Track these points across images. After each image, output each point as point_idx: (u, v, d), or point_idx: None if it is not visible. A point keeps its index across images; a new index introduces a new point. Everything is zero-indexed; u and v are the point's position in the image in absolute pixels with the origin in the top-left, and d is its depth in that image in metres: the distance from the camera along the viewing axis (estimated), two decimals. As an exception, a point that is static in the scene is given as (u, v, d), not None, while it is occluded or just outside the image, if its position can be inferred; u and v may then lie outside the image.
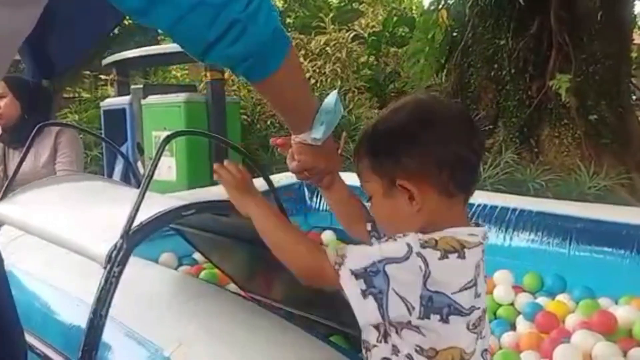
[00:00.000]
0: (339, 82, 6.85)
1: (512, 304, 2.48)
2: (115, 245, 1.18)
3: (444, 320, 0.94)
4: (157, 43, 15.22)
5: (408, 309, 0.92)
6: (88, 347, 1.18)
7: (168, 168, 4.83)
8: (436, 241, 0.94)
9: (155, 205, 1.32)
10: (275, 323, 1.42)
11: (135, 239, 1.20)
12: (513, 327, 2.35)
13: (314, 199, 3.77)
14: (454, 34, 6.79)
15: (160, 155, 1.29)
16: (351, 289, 0.91)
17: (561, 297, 2.46)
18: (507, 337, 2.22)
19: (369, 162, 1.03)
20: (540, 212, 2.92)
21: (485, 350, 1.04)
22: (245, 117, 6.54)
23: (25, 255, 1.82)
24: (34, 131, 1.87)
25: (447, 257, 0.93)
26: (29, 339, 1.46)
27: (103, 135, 5.21)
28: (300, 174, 1.25)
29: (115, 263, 1.17)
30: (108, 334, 1.23)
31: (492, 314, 2.43)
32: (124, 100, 5.49)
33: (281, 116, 1.24)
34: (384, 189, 1.02)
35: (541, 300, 2.46)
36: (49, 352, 1.38)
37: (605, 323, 2.16)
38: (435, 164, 0.98)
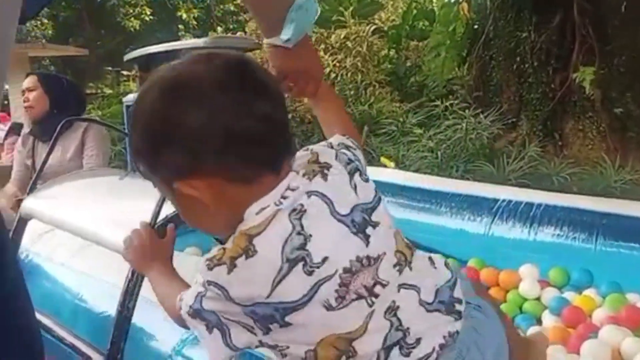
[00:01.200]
0: (359, 76, 6.83)
1: (538, 299, 2.46)
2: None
3: (283, 324, 0.79)
4: (178, 38, 15.35)
5: (249, 331, 0.81)
6: (116, 339, 1.20)
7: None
8: (224, 251, 0.79)
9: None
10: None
11: (161, 232, 1.20)
12: (539, 321, 2.32)
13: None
14: (475, 26, 6.74)
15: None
16: (196, 328, 0.83)
17: (588, 292, 2.42)
18: (533, 332, 2.20)
19: (143, 165, 0.84)
20: (566, 207, 2.88)
21: (389, 307, 0.84)
22: (266, 111, 6.53)
23: (54, 248, 1.85)
24: (59, 126, 1.89)
25: (235, 266, 0.77)
26: (59, 331, 1.48)
27: (126, 131, 5.25)
28: (280, 81, 1.08)
29: (144, 257, 1.18)
30: (139, 316, 1.24)
31: (518, 309, 2.41)
32: (146, 95, 5.53)
33: (253, 16, 1.14)
34: (170, 194, 0.85)
35: (568, 294, 2.42)
36: (78, 344, 1.39)
37: (633, 318, 2.12)
38: (208, 151, 0.79)
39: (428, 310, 0.87)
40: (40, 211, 1.68)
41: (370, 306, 0.82)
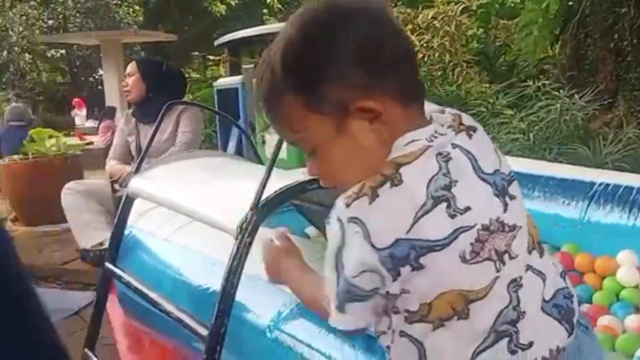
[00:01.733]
0: (447, 56, 6.72)
1: (637, 286, 2.38)
2: (246, 218, 1.24)
3: (416, 266, 0.77)
4: (263, 22, 15.56)
5: (381, 280, 0.79)
6: (221, 314, 1.26)
7: (279, 146, 4.94)
8: (362, 185, 0.78)
9: (279, 180, 1.37)
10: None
11: (265, 211, 1.25)
12: (637, 310, 2.25)
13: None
14: (570, 3, 6.47)
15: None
16: (354, 312, 0.83)
17: (691, 280, 2.33)
18: (631, 321, 2.14)
19: (301, 99, 0.80)
20: (668, 191, 2.76)
21: (514, 280, 0.83)
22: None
23: (157, 225, 1.95)
24: (163, 109, 1.98)
25: (377, 196, 0.76)
26: (165, 305, 1.57)
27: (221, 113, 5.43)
28: None
29: (246, 234, 1.23)
30: (243, 289, 1.29)
31: (615, 296, 2.34)
32: (236, 79, 5.67)
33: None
34: (334, 126, 0.81)
35: (669, 282, 2.34)
36: (183, 317, 1.47)
37: None
38: (389, 63, 0.80)
39: (543, 310, 0.87)
40: (145, 190, 1.78)
41: (498, 271, 0.82)
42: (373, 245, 0.76)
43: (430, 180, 0.78)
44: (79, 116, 12.91)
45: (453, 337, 0.82)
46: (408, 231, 0.76)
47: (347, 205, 0.77)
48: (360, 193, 0.77)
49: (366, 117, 0.79)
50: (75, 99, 13.98)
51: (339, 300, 0.81)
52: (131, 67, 3.77)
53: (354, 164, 0.82)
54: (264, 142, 5.05)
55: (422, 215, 0.77)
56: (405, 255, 0.77)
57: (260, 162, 2.16)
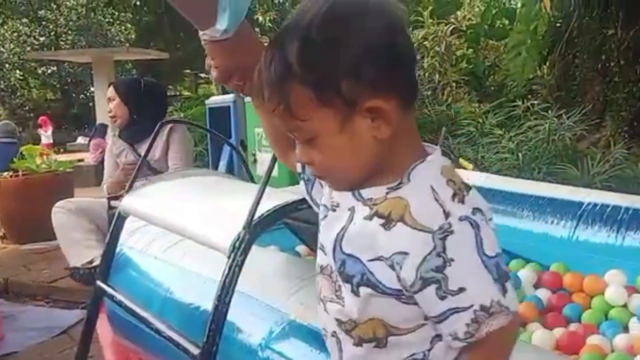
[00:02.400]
0: (437, 76, 6.78)
1: (624, 306, 2.39)
2: (239, 236, 1.25)
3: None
4: (256, 41, 15.61)
5: None
6: (212, 332, 1.26)
7: (270, 164, 4.95)
8: (452, 182, 0.82)
9: (270, 198, 1.38)
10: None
11: (257, 230, 1.26)
12: (626, 329, 2.26)
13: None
14: (558, 24, 6.56)
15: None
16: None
17: (679, 299, 2.35)
18: (620, 340, 2.15)
19: (311, 92, 0.80)
20: (655, 211, 2.79)
21: None
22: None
23: (148, 243, 1.95)
24: (156, 129, 1.99)
25: (470, 189, 0.84)
26: (156, 323, 1.57)
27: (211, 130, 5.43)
28: (226, 81, 1.05)
29: (239, 252, 1.24)
30: (235, 307, 1.30)
31: (604, 315, 2.35)
32: (228, 98, 5.68)
33: (183, 11, 1.03)
34: (339, 121, 0.81)
35: (657, 301, 2.35)
36: (174, 336, 1.47)
37: None
38: (399, 64, 0.82)
39: None
40: (138, 209, 1.78)
41: None
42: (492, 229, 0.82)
43: None
44: (45, 135, 12.75)
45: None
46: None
47: (462, 202, 0.80)
48: (460, 190, 0.81)
49: (371, 115, 0.80)
50: (42, 117, 13.88)
51: (501, 284, 0.80)
52: (110, 91, 3.74)
53: (349, 158, 0.83)
54: (255, 161, 5.06)
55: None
56: None
57: (252, 181, 2.17)
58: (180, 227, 1.50)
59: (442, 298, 0.79)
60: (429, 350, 0.86)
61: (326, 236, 0.89)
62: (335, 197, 0.89)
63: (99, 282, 1.89)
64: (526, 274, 2.77)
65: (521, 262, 2.91)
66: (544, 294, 2.64)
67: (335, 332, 0.90)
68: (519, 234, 3.08)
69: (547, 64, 6.72)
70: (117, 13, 19.59)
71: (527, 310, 2.48)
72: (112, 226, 1.87)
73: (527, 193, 3.16)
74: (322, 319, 0.93)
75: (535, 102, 5.78)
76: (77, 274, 3.89)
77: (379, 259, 0.81)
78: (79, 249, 3.83)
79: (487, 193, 3.30)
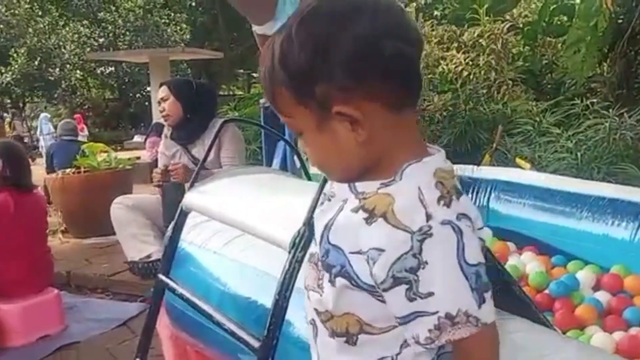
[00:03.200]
0: (493, 74, 6.67)
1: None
2: (299, 232, 1.27)
3: None
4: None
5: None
6: (273, 326, 1.28)
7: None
8: (441, 185, 0.81)
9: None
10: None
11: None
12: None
13: (469, 194, 3.72)
14: (620, 20, 6.37)
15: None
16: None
17: None
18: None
19: (289, 91, 0.82)
20: None
21: None
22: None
23: (207, 238, 1.99)
24: (218, 127, 2.03)
25: (460, 194, 0.82)
26: (217, 316, 1.61)
27: (263, 131, 5.48)
28: None
29: (299, 248, 1.26)
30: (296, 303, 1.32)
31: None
32: (282, 96, 5.74)
33: (240, 7, 0.99)
34: (316, 122, 0.83)
35: None
36: (235, 329, 1.50)
37: None
38: (378, 70, 0.79)
39: None
40: (200, 204, 1.83)
41: None
42: (478, 237, 0.82)
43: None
44: (80, 135, 12.84)
45: None
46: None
47: (448, 205, 0.79)
48: (449, 194, 0.80)
49: (346, 119, 0.81)
50: (76, 115, 14.06)
51: (478, 294, 0.78)
52: (163, 91, 3.78)
53: (334, 158, 0.85)
54: (307, 159, 5.08)
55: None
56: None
57: (308, 177, 2.19)
58: (241, 222, 1.54)
59: (411, 300, 0.78)
60: (398, 354, 0.85)
61: (318, 225, 0.90)
62: (334, 187, 0.90)
63: (160, 276, 1.94)
64: (585, 275, 2.72)
65: (580, 264, 2.86)
66: (603, 296, 2.59)
67: (313, 320, 0.91)
68: (578, 235, 3.03)
69: (608, 61, 6.54)
70: (172, 14, 20.00)
71: (585, 312, 2.44)
72: (174, 222, 1.92)
73: (587, 193, 3.09)
74: (305, 307, 0.95)
75: (595, 100, 5.63)
76: (135, 268, 4.00)
77: (359, 252, 0.81)
78: (136, 244, 3.94)
79: (546, 193, 3.25)
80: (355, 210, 0.83)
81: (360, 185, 0.85)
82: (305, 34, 0.81)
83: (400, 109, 0.83)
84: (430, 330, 0.78)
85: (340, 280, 0.84)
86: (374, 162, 0.84)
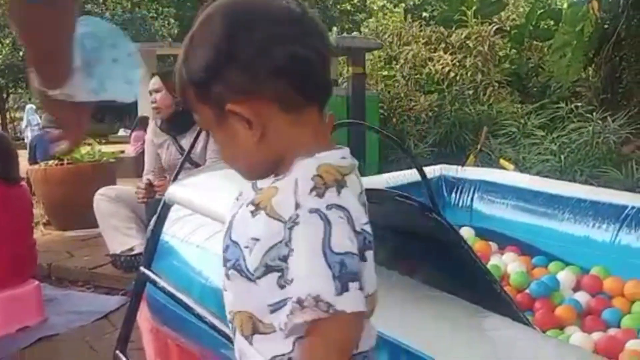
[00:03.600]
0: (480, 76, 6.72)
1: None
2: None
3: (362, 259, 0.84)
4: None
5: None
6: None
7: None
8: (319, 178, 0.80)
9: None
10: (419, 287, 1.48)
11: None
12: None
13: (453, 194, 3.75)
14: (605, 26, 6.44)
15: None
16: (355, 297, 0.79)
17: None
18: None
19: (191, 90, 0.87)
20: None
21: None
22: (382, 111, 6.59)
23: (190, 232, 1.99)
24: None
25: (342, 187, 0.81)
26: (199, 309, 1.60)
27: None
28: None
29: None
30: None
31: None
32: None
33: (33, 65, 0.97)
34: (216, 120, 0.86)
35: None
36: (218, 323, 1.50)
37: None
38: (268, 72, 0.82)
39: None
40: (182, 198, 1.82)
41: None
42: (355, 229, 0.80)
43: (360, 194, 0.86)
44: None
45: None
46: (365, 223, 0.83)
47: (321, 196, 0.79)
48: (325, 186, 0.80)
49: (242, 119, 0.83)
50: None
51: (341, 282, 0.77)
52: (156, 82, 3.68)
53: (238, 156, 0.88)
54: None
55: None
56: (361, 247, 0.82)
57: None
58: (224, 216, 1.53)
59: (282, 287, 0.80)
60: (291, 352, 0.84)
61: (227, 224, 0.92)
62: (244, 186, 0.92)
63: (142, 269, 1.93)
64: (565, 276, 2.75)
65: (561, 265, 2.89)
66: (583, 297, 2.61)
67: (230, 320, 0.92)
68: (559, 236, 3.05)
69: (593, 66, 6.61)
70: (160, 8, 19.87)
71: (565, 313, 2.46)
72: (157, 214, 1.91)
73: (569, 195, 3.12)
74: None
75: (580, 104, 5.69)
76: (117, 261, 3.97)
77: (247, 244, 0.83)
78: (119, 236, 3.90)
79: (529, 194, 3.27)
80: (247, 205, 0.85)
81: (260, 182, 0.87)
82: (202, 36, 0.85)
83: (296, 109, 0.84)
84: (287, 316, 0.79)
85: (233, 272, 0.86)
86: (276, 160, 0.85)
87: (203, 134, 3.53)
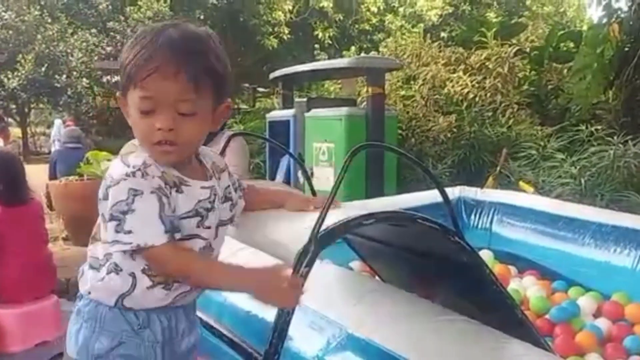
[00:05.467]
0: (499, 97, 6.70)
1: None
2: (305, 248, 1.27)
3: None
4: (314, 57, 15.77)
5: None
6: (275, 340, 1.28)
7: (327, 179, 4.99)
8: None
9: (336, 212, 1.40)
10: (439, 311, 1.51)
11: (323, 242, 1.28)
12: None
13: (472, 216, 3.73)
14: (626, 48, 6.41)
15: (348, 165, 1.37)
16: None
17: None
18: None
19: (212, 83, 1.14)
20: None
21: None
22: (400, 131, 6.60)
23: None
24: (226, 141, 2.04)
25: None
26: (219, 327, 1.60)
27: (268, 145, 5.50)
28: None
29: (304, 264, 1.26)
30: (296, 318, 1.32)
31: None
32: (288, 112, 5.77)
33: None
34: (212, 109, 1.17)
35: None
36: (237, 341, 1.50)
37: None
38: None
39: None
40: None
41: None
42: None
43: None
44: None
45: None
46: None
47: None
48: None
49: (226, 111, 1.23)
50: (68, 121, 14.10)
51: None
52: None
53: (201, 137, 1.20)
54: (312, 175, 5.10)
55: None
56: None
57: (313, 193, 2.20)
58: (243, 235, 1.54)
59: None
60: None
61: None
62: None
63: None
64: (586, 302, 2.71)
65: (581, 290, 2.85)
66: (604, 323, 2.58)
67: None
68: (579, 261, 3.02)
69: (613, 88, 6.57)
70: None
71: (586, 339, 2.43)
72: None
73: (590, 220, 3.09)
74: None
75: (600, 127, 5.65)
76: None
77: None
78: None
79: (549, 218, 3.25)
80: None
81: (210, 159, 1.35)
82: (225, 57, 1.21)
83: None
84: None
85: None
86: None
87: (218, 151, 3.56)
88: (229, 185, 1.31)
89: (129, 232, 1.12)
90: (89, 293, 1.30)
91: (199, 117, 1.14)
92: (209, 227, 1.21)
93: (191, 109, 1.13)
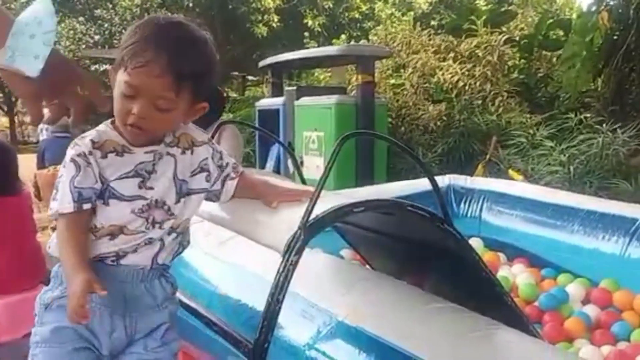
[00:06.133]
0: (489, 85, 6.70)
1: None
2: (294, 236, 1.26)
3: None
4: (303, 45, 15.70)
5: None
6: (265, 328, 1.28)
7: (316, 167, 4.99)
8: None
9: (326, 201, 1.40)
10: (429, 298, 1.50)
11: (312, 230, 1.27)
12: None
13: (462, 204, 3.74)
14: (615, 37, 6.42)
15: (338, 154, 1.37)
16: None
17: None
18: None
19: (192, 84, 1.20)
20: None
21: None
22: (390, 119, 6.59)
23: (201, 239, 1.98)
24: (214, 129, 2.03)
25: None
26: (209, 316, 1.60)
27: (257, 134, 5.49)
28: (39, 109, 1.19)
29: (293, 252, 1.26)
30: (286, 307, 1.32)
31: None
32: (278, 101, 5.74)
33: None
34: (187, 107, 1.24)
35: None
36: (228, 330, 1.49)
37: None
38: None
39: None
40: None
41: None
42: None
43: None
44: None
45: None
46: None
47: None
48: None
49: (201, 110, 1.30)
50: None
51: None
52: None
53: (168, 130, 1.31)
54: (302, 163, 5.09)
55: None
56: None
57: (303, 181, 2.19)
58: (234, 224, 1.53)
59: None
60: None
61: None
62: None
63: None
64: (575, 289, 2.73)
65: (570, 277, 2.87)
66: (592, 310, 2.59)
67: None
68: (569, 248, 3.04)
69: (602, 76, 6.59)
70: (169, 14, 19.92)
71: (574, 326, 2.44)
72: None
73: (579, 207, 3.11)
74: None
75: (589, 115, 5.68)
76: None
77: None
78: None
79: (538, 205, 3.26)
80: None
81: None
82: (213, 63, 1.29)
83: None
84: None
85: None
86: None
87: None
88: (206, 158, 1.37)
89: (54, 199, 1.26)
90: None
91: (173, 113, 1.22)
92: (151, 188, 1.28)
93: (168, 106, 1.20)
